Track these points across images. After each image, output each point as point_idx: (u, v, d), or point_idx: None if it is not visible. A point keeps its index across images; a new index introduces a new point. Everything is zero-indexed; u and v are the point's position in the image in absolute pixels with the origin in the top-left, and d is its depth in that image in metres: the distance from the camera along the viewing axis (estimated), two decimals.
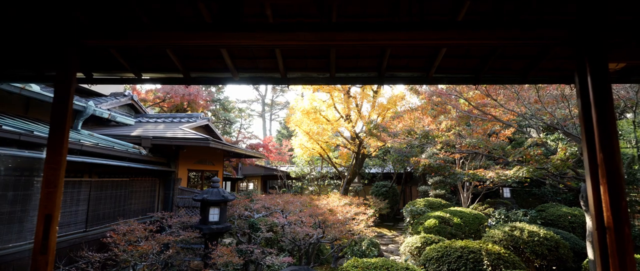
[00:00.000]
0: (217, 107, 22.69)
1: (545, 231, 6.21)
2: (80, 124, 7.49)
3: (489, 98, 6.21)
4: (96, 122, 8.66)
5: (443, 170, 6.85)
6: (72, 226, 5.58)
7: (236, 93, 63.51)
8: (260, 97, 39.63)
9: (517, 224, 6.57)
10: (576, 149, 5.06)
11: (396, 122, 7.92)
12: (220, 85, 25.25)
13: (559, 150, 4.86)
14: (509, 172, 5.22)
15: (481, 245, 5.26)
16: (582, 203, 5.85)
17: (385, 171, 17.23)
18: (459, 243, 5.38)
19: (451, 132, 6.44)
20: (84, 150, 5.44)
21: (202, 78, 3.66)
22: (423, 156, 10.73)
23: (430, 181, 13.58)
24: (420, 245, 6.82)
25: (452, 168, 6.89)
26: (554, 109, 4.94)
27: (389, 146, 10.94)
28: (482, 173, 5.94)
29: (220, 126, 22.30)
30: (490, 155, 6.83)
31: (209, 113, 21.70)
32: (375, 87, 13.19)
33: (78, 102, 7.34)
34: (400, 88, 13.68)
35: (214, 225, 6.46)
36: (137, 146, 7.41)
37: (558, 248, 6.05)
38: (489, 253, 4.93)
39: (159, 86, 18.09)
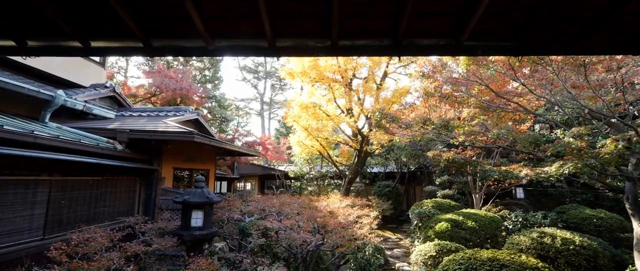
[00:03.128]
0: (213, 104, 21.74)
1: (580, 239, 5.35)
2: (48, 116, 6.62)
3: (512, 83, 5.37)
4: (70, 115, 7.79)
5: (470, 166, 5.97)
6: (25, 233, 4.71)
7: (234, 91, 62.76)
8: (258, 96, 38.89)
9: (546, 230, 5.70)
10: (624, 143, 4.22)
11: (408, 111, 7.05)
12: (216, 81, 24.43)
13: (607, 142, 4.04)
14: (550, 169, 4.38)
15: (512, 256, 4.40)
16: (627, 205, 4.99)
17: (387, 170, 16.46)
18: (486, 253, 4.52)
19: (474, 122, 5.58)
20: (38, 143, 4.56)
21: (168, 47, 2.87)
22: (430, 152, 9.84)
23: (437, 180, 12.71)
24: (434, 253, 5.95)
25: (481, 164, 6.00)
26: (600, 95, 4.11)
27: (398, 140, 10.03)
28: (518, 170, 5.09)
29: (217, 124, 21.40)
30: (513, 149, 5.99)
31: (205, 111, 20.79)
32: (378, 80, 12.33)
33: (46, 91, 6.47)
34: (405, 82, 12.86)
35: (197, 230, 5.59)
36: (111, 141, 6.53)
37: (597, 258, 5.19)
38: (524, 268, 4.07)
39: (150, 80, 17.20)
